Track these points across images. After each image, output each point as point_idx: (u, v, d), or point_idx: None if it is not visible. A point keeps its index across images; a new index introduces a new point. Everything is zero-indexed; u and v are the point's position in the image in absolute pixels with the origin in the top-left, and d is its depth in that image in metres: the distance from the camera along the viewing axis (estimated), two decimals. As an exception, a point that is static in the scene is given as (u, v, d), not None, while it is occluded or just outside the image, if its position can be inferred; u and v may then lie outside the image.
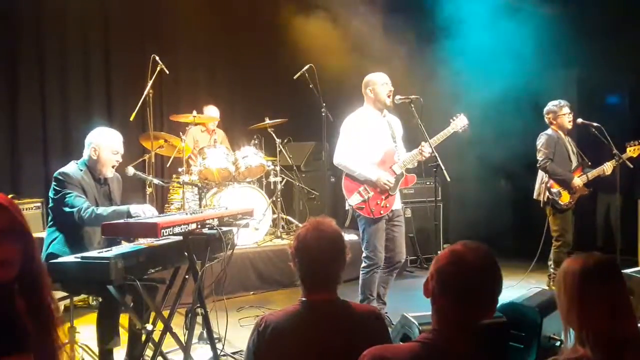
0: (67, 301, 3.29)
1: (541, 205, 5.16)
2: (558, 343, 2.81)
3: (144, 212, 3.30)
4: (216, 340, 3.43)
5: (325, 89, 5.94)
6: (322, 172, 7.03)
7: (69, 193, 3.35)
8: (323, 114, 5.77)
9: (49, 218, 3.55)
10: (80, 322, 4.19)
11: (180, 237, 3.03)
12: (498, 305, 2.90)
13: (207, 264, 3.17)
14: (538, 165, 5.08)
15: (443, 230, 6.81)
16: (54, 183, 3.42)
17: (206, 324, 3.29)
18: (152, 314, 3.24)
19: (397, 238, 4.28)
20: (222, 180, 5.88)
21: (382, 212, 4.15)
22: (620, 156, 4.96)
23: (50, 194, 3.45)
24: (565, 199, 5.03)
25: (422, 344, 1.66)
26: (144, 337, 3.08)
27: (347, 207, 4.28)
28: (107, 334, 3.24)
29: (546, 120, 5.22)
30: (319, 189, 6.87)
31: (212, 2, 7.39)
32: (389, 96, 4.21)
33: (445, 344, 1.64)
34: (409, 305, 3.52)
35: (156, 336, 3.11)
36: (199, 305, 3.24)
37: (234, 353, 3.65)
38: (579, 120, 5.17)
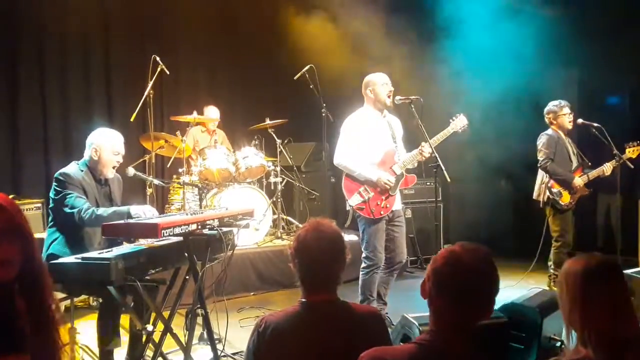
0: (68, 302, 3.28)
1: (541, 205, 5.16)
2: (558, 344, 2.81)
3: (144, 212, 3.30)
4: (216, 341, 3.44)
5: (325, 89, 5.95)
6: (322, 172, 7.03)
7: (70, 194, 3.35)
8: (323, 115, 5.78)
9: (50, 218, 3.55)
10: (81, 322, 4.19)
11: (181, 238, 3.04)
12: (499, 305, 2.92)
13: (208, 265, 3.17)
14: (539, 165, 5.08)
15: (443, 230, 6.81)
16: (54, 183, 3.42)
17: (206, 324, 3.29)
18: (153, 315, 3.24)
19: (397, 238, 4.27)
20: (223, 181, 5.88)
21: (382, 212, 4.15)
22: (621, 156, 4.96)
23: (51, 194, 3.45)
24: (565, 199, 5.03)
25: (419, 345, 1.66)
26: (144, 338, 3.09)
27: (347, 208, 4.28)
28: (107, 335, 3.24)
29: (546, 120, 5.22)
30: (319, 189, 6.87)
31: (213, 3, 7.40)
32: (389, 96, 4.21)
33: (442, 345, 1.64)
34: (409, 306, 3.52)
35: (156, 337, 3.11)
36: (199, 305, 3.25)
37: (234, 354, 3.65)
38: (580, 120, 5.17)
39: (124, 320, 3.41)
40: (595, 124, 5.04)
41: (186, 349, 3.11)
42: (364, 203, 4.13)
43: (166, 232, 2.73)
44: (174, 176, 6.17)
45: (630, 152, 4.98)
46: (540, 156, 5.07)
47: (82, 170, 3.50)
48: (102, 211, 3.31)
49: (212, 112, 6.57)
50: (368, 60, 5.68)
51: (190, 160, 6.25)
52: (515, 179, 7.14)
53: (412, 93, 4.25)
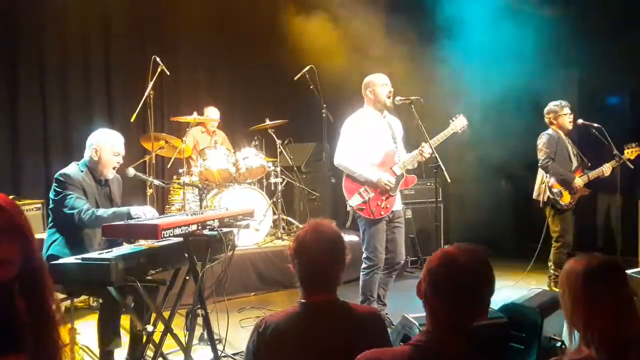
0: (68, 302, 3.29)
1: (541, 205, 5.16)
2: (559, 344, 2.81)
3: (144, 213, 3.30)
4: (217, 341, 3.44)
5: (325, 90, 5.95)
6: (322, 173, 7.03)
7: (70, 194, 3.35)
8: (324, 115, 5.78)
9: (49, 219, 3.54)
10: (81, 323, 4.19)
11: (181, 239, 3.04)
12: (499, 306, 2.92)
13: (208, 265, 3.17)
14: (540, 164, 5.08)
15: (444, 231, 6.81)
16: (54, 184, 3.42)
17: (207, 325, 3.29)
18: (153, 315, 3.24)
19: (397, 239, 4.28)
20: (223, 181, 5.88)
21: (382, 213, 4.15)
22: (621, 157, 4.97)
23: (51, 195, 3.45)
24: (566, 199, 5.03)
25: (415, 347, 1.65)
26: (144, 338, 3.09)
27: (348, 208, 4.28)
28: (107, 335, 3.23)
29: (546, 120, 5.22)
30: (320, 190, 6.87)
31: (213, 3, 7.39)
32: (388, 97, 4.22)
33: (438, 346, 1.64)
34: (410, 306, 3.50)
35: (157, 337, 3.11)
36: (199, 306, 3.25)
37: (234, 354, 3.65)
38: (580, 121, 5.18)
39: (124, 320, 3.41)
40: (596, 124, 5.05)
41: (186, 349, 3.11)
42: (365, 204, 4.13)
43: (166, 233, 2.74)
44: (174, 177, 6.17)
45: (629, 153, 4.99)
46: (541, 156, 5.06)
47: (82, 171, 3.50)
48: (102, 212, 3.31)
49: (212, 113, 6.57)
50: (368, 61, 5.68)
51: (191, 160, 6.26)
52: (516, 179, 7.14)
53: (412, 93, 4.25)
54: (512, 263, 6.21)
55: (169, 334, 3.09)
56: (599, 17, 6.27)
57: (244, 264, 5.52)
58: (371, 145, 4.20)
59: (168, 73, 5.71)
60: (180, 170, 5.89)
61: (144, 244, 3.15)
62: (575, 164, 5.16)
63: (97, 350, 3.29)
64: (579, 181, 5.01)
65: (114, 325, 3.27)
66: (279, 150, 6.40)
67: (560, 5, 6.53)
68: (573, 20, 6.32)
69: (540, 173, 5.16)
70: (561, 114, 5.13)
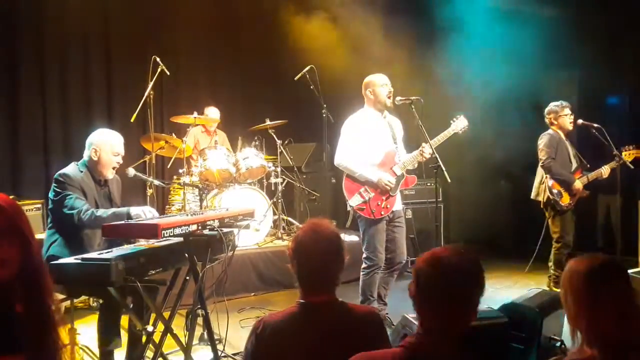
0: (68, 302, 3.28)
1: (541, 205, 5.15)
2: (558, 343, 2.81)
3: (144, 213, 3.29)
4: (217, 342, 3.44)
5: (326, 90, 5.94)
6: (322, 173, 7.02)
7: (69, 195, 3.34)
8: (324, 115, 5.78)
9: (49, 220, 3.54)
10: (81, 323, 4.19)
11: (181, 239, 3.03)
12: (499, 305, 2.92)
13: (208, 265, 3.17)
14: (541, 164, 5.07)
15: (444, 231, 6.81)
16: (54, 184, 3.41)
17: (207, 325, 3.29)
18: (153, 315, 3.24)
19: (397, 239, 4.28)
20: (223, 182, 5.88)
21: (382, 213, 4.15)
22: (621, 157, 4.97)
23: (50, 195, 3.44)
24: (565, 200, 5.03)
25: (405, 349, 1.65)
26: (144, 339, 3.08)
27: (348, 208, 4.28)
28: (107, 335, 3.24)
29: (547, 120, 5.22)
30: (320, 190, 6.87)
31: (213, 4, 7.40)
32: (388, 97, 4.22)
33: (429, 348, 1.63)
34: (410, 306, 3.51)
35: (157, 337, 3.11)
36: (199, 306, 3.25)
37: (234, 354, 3.65)
38: (580, 121, 5.18)
39: (124, 320, 3.41)
40: (595, 125, 5.05)
41: (186, 349, 3.11)
42: (365, 204, 4.13)
43: (166, 233, 2.73)
44: (175, 177, 6.18)
45: (626, 155, 4.99)
46: (542, 156, 5.06)
47: (81, 171, 3.49)
48: (102, 212, 3.31)
49: (213, 113, 6.57)
50: (368, 61, 5.68)
51: (191, 160, 6.26)
52: (515, 180, 7.14)
53: (413, 94, 4.25)
54: (511, 263, 6.22)
55: (169, 334, 3.09)
56: (598, 17, 6.27)
57: (244, 264, 5.52)
58: (371, 146, 4.21)
59: (168, 73, 5.71)
60: (181, 171, 5.89)
61: (144, 244, 3.16)
62: (574, 165, 5.16)
63: (97, 351, 3.30)
64: (578, 183, 5.01)
65: (114, 325, 3.28)
66: (279, 150, 6.41)
67: (560, 5, 6.53)
68: (573, 20, 6.32)
69: (540, 173, 5.16)
70: (562, 115, 5.13)
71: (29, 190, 6.03)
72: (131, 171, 3.74)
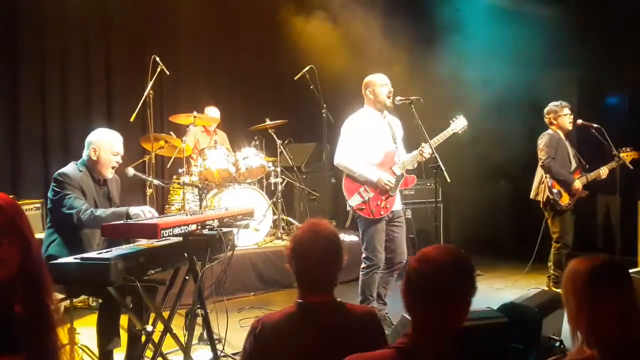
0: (67, 302, 3.28)
1: (541, 205, 5.15)
2: (558, 343, 2.81)
3: (143, 213, 3.29)
4: (216, 341, 3.43)
5: (325, 90, 5.95)
6: (322, 173, 7.03)
7: (68, 194, 3.32)
8: (324, 115, 5.79)
9: (48, 219, 3.53)
10: (80, 323, 4.19)
11: (181, 238, 3.03)
12: (499, 305, 2.92)
13: (208, 265, 3.17)
14: (541, 164, 5.06)
15: (443, 231, 6.80)
16: (53, 184, 3.40)
17: (206, 324, 3.29)
18: (152, 315, 3.24)
19: (397, 239, 4.28)
20: (223, 181, 5.88)
21: (382, 212, 4.15)
22: (620, 157, 4.97)
23: (49, 194, 3.42)
24: (565, 199, 5.03)
25: (397, 349, 1.64)
26: (143, 338, 3.08)
27: (347, 208, 4.28)
28: (107, 335, 3.24)
29: (546, 120, 5.22)
30: (320, 190, 6.87)
31: (213, 3, 7.40)
32: (388, 97, 4.22)
33: (420, 348, 1.62)
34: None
35: (156, 337, 3.11)
36: (199, 306, 3.24)
37: (234, 354, 3.65)
38: (579, 121, 5.18)
39: (124, 320, 3.41)
40: (595, 125, 5.05)
41: (186, 349, 3.11)
42: (364, 203, 4.13)
43: (166, 233, 2.73)
44: (174, 176, 6.17)
45: (624, 157, 5.00)
46: (542, 155, 5.05)
47: (80, 171, 3.48)
48: (101, 212, 3.30)
49: (213, 113, 6.57)
50: (368, 61, 5.68)
51: (191, 160, 6.25)
52: (515, 180, 7.14)
53: (412, 93, 4.25)
54: (511, 263, 6.22)
55: (168, 334, 3.09)
56: (598, 17, 6.27)
57: (243, 264, 5.51)
58: (371, 145, 4.20)
59: (168, 73, 5.71)
60: (180, 170, 5.89)
61: (143, 243, 3.15)
62: (574, 165, 5.16)
63: (96, 350, 3.29)
64: (578, 184, 5.01)
65: (113, 325, 3.27)
66: (279, 150, 6.40)
67: (560, 5, 6.54)
68: (572, 20, 6.32)
69: (539, 173, 5.15)
70: (561, 114, 5.13)
71: (28, 190, 6.03)
72: (130, 171, 3.73)
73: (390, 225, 4.26)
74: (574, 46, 6.30)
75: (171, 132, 5.98)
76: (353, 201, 4.16)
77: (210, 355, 3.27)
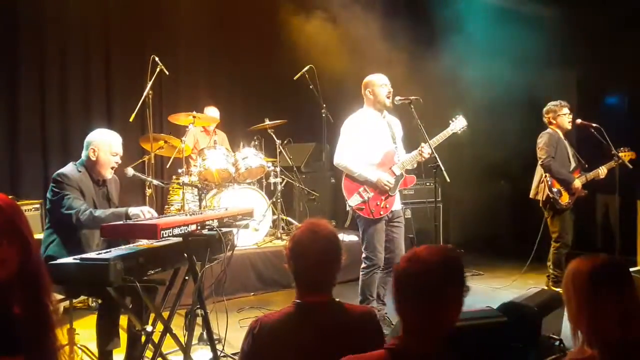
0: (67, 302, 3.28)
1: (540, 204, 5.15)
2: (557, 342, 2.81)
3: (143, 213, 3.28)
4: (216, 341, 3.43)
5: (325, 90, 5.95)
6: (322, 173, 7.03)
7: (67, 195, 3.32)
8: (323, 115, 5.79)
9: (47, 220, 3.52)
10: (80, 323, 4.19)
11: (180, 239, 3.03)
12: (498, 304, 2.92)
13: (207, 265, 3.17)
14: (541, 163, 5.06)
15: (443, 230, 6.81)
16: (52, 184, 3.39)
17: (206, 325, 3.29)
18: (152, 315, 3.24)
19: (396, 239, 4.27)
20: (222, 182, 5.87)
21: (382, 212, 4.15)
22: (620, 157, 4.97)
23: (48, 195, 3.42)
24: (565, 199, 5.03)
25: (388, 351, 1.63)
26: (143, 339, 3.08)
27: (347, 208, 4.28)
28: (106, 336, 3.24)
29: (545, 120, 5.22)
30: (319, 190, 6.87)
31: (212, 3, 7.40)
32: (388, 97, 4.22)
33: (411, 349, 1.61)
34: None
35: (156, 337, 3.11)
36: (198, 306, 3.24)
37: (234, 354, 3.64)
38: (578, 120, 5.19)
39: (123, 321, 3.41)
40: (594, 124, 5.05)
41: (186, 349, 3.11)
42: (364, 203, 4.13)
43: (165, 233, 2.73)
44: (174, 177, 6.17)
45: (622, 157, 5.00)
46: (542, 154, 5.05)
47: (79, 171, 3.47)
48: (100, 212, 3.29)
49: (212, 113, 6.57)
50: (368, 61, 5.68)
51: (190, 160, 6.25)
52: (514, 179, 7.15)
53: (412, 93, 4.26)
54: (510, 262, 6.22)
55: (168, 334, 3.09)
56: (598, 17, 6.27)
57: (243, 264, 5.51)
58: (371, 145, 4.21)
59: (167, 73, 5.71)
60: (180, 170, 5.89)
61: (142, 244, 3.15)
62: (573, 164, 5.16)
63: (96, 351, 3.29)
64: (577, 183, 5.01)
65: (113, 325, 3.27)
66: (278, 150, 6.40)
67: (559, 5, 6.54)
68: (573, 20, 6.33)
69: (539, 172, 5.15)
70: (560, 114, 5.13)
71: (27, 190, 6.03)
72: (130, 171, 3.73)
73: (390, 225, 4.26)
74: (573, 46, 6.30)
75: (170, 134, 5.98)
76: (353, 201, 4.16)
77: (210, 355, 3.27)
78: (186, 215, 3.28)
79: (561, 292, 1.81)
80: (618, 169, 5.00)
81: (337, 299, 2.08)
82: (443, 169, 4.06)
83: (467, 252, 7.16)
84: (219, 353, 3.40)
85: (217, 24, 7.61)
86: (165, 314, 3.26)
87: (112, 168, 3.56)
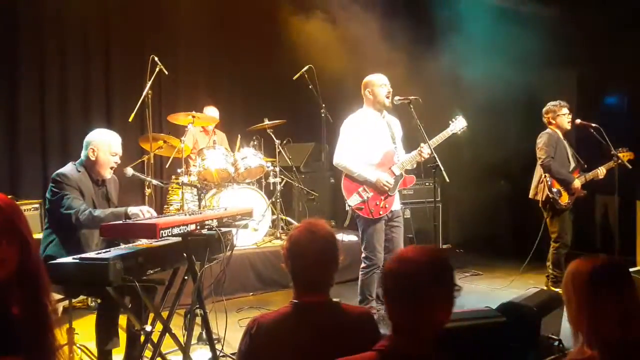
0: (66, 302, 3.28)
1: (540, 204, 5.15)
2: (557, 343, 2.81)
3: (142, 213, 3.28)
4: (215, 341, 3.43)
5: (324, 90, 5.95)
6: (321, 173, 7.03)
7: (67, 195, 3.32)
8: (322, 115, 5.79)
9: (46, 219, 3.52)
10: (79, 323, 4.19)
11: (179, 238, 3.03)
12: (497, 305, 2.92)
13: (206, 265, 3.17)
14: (540, 163, 5.06)
15: (442, 230, 6.81)
16: (51, 184, 3.39)
17: (205, 324, 3.29)
18: (151, 315, 3.24)
19: (396, 239, 4.27)
20: (221, 181, 5.87)
21: (381, 212, 4.15)
22: (619, 157, 4.97)
23: (48, 195, 3.42)
24: (564, 199, 5.03)
25: (378, 352, 1.63)
26: (142, 338, 3.08)
27: (346, 208, 4.28)
28: (106, 335, 3.24)
29: (545, 120, 5.23)
30: (319, 189, 6.87)
31: (212, 3, 7.40)
32: (387, 97, 4.22)
33: (401, 350, 1.61)
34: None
35: (155, 337, 3.11)
36: (198, 306, 3.24)
37: (233, 354, 3.64)
38: (578, 120, 5.19)
39: (123, 320, 3.41)
40: (594, 124, 5.06)
41: (185, 349, 3.11)
42: (363, 203, 4.13)
43: (165, 233, 2.73)
44: (173, 177, 6.17)
45: (621, 157, 5.01)
46: (542, 154, 5.05)
47: (79, 171, 3.47)
48: (100, 212, 3.29)
49: (212, 113, 6.57)
50: (367, 61, 5.68)
51: (190, 160, 6.25)
52: (514, 179, 7.15)
53: (411, 93, 4.26)
54: (510, 263, 6.22)
55: (167, 334, 3.09)
56: (598, 17, 6.27)
57: (242, 263, 5.51)
58: (370, 145, 4.21)
59: (166, 73, 5.70)
60: (179, 170, 5.88)
61: (142, 243, 3.15)
62: (572, 164, 5.16)
63: (95, 350, 3.29)
64: (577, 183, 5.01)
65: (112, 325, 3.27)
66: (277, 150, 6.40)
67: (559, 5, 6.54)
68: (572, 20, 6.32)
69: (538, 172, 5.15)
70: (560, 114, 5.14)
71: (27, 190, 6.02)
72: (129, 171, 3.73)
73: (389, 225, 4.26)
74: (573, 46, 6.30)
75: (169, 134, 5.97)
76: (352, 201, 4.16)
77: (209, 355, 3.27)
78: (185, 215, 3.28)
79: (560, 292, 1.81)
80: (617, 169, 5.00)
81: (336, 299, 2.08)
82: (442, 169, 4.06)
83: (466, 252, 7.18)
84: (218, 353, 3.40)
85: (217, 24, 7.61)
86: (165, 314, 3.26)
87: (111, 168, 3.56)
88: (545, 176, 5.05)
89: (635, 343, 1.60)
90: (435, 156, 4.12)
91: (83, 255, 2.80)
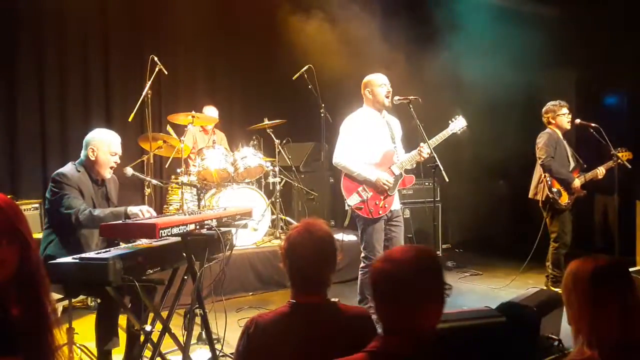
0: (66, 302, 3.28)
1: (539, 204, 5.16)
2: (556, 342, 2.82)
3: (142, 213, 3.29)
4: (215, 341, 3.44)
5: (324, 89, 5.94)
6: (321, 172, 7.02)
7: (67, 194, 3.32)
8: (322, 115, 5.77)
9: (46, 219, 3.52)
10: (79, 323, 4.19)
11: (179, 238, 3.03)
12: (497, 304, 2.92)
13: (206, 265, 3.17)
14: (540, 163, 5.07)
15: (442, 230, 6.82)
16: (51, 184, 3.39)
17: (205, 324, 3.29)
18: (151, 315, 3.24)
19: (396, 238, 4.28)
20: (221, 181, 5.87)
21: (380, 212, 4.15)
22: (619, 156, 4.97)
23: (48, 195, 3.42)
24: (564, 198, 5.03)
25: (369, 353, 1.61)
26: (142, 338, 3.08)
27: (346, 208, 4.28)
28: (105, 335, 3.24)
29: (544, 119, 5.23)
30: (318, 189, 6.87)
31: (212, 3, 7.39)
32: (387, 97, 4.22)
33: (392, 351, 1.59)
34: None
35: (155, 337, 3.11)
36: (197, 305, 3.24)
37: (232, 354, 3.64)
38: (577, 120, 5.19)
39: (122, 320, 3.41)
40: (593, 124, 5.06)
41: (185, 348, 3.11)
42: (363, 203, 4.13)
43: (164, 232, 2.73)
44: (172, 176, 6.17)
45: (620, 157, 5.01)
46: (542, 154, 5.05)
47: (78, 171, 3.47)
48: (99, 212, 3.30)
49: (211, 112, 6.57)
50: (367, 61, 5.68)
51: (189, 160, 6.25)
52: (513, 179, 7.16)
53: (411, 93, 4.26)
54: (509, 262, 6.22)
55: (167, 334, 3.09)
56: (598, 17, 6.28)
57: (242, 263, 5.51)
58: (370, 145, 4.21)
59: (166, 72, 5.70)
60: (179, 170, 5.88)
61: (142, 243, 3.15)
62: (572, 164, 5.17)
63: (95, 350, 3.29)
64: (577, 182, 5.02)
65: (112, 325, 3.27)
66: (277, 150, 6.40)
67: (559, 5, 6.54)
68: (572, 20, 6.33)
69: (538, 172, 5.16)
70: (559, 114, 5.14)
71: (26, 190, 6.02)
72: (129, 170, 3.72)
73: (389, 224, 4.26)
74: (573, 46, 6.30)
75: (168, 126, 5.97)
76: (351, 200, 4.16)
77: (209, 355, 3.28)
78: (185, 214, 3.28)
79: (560, 292, 1.81)
80: (617, 169, 5.01)
81: (334, 299, 2.08)
82: (442, 168, 4.06)
83: (466, 251, 7.19)
84: (217, 353, 3.40)
85: (216, 24, 7.60)
86: (164, 314, 3.26)
87: (111, 168, 3.56)
88: (545, 176, 5.05)
89: (635, 343, 1.60)
90: (435, 156, 4.12)
91: (83, 255, 2.80)
